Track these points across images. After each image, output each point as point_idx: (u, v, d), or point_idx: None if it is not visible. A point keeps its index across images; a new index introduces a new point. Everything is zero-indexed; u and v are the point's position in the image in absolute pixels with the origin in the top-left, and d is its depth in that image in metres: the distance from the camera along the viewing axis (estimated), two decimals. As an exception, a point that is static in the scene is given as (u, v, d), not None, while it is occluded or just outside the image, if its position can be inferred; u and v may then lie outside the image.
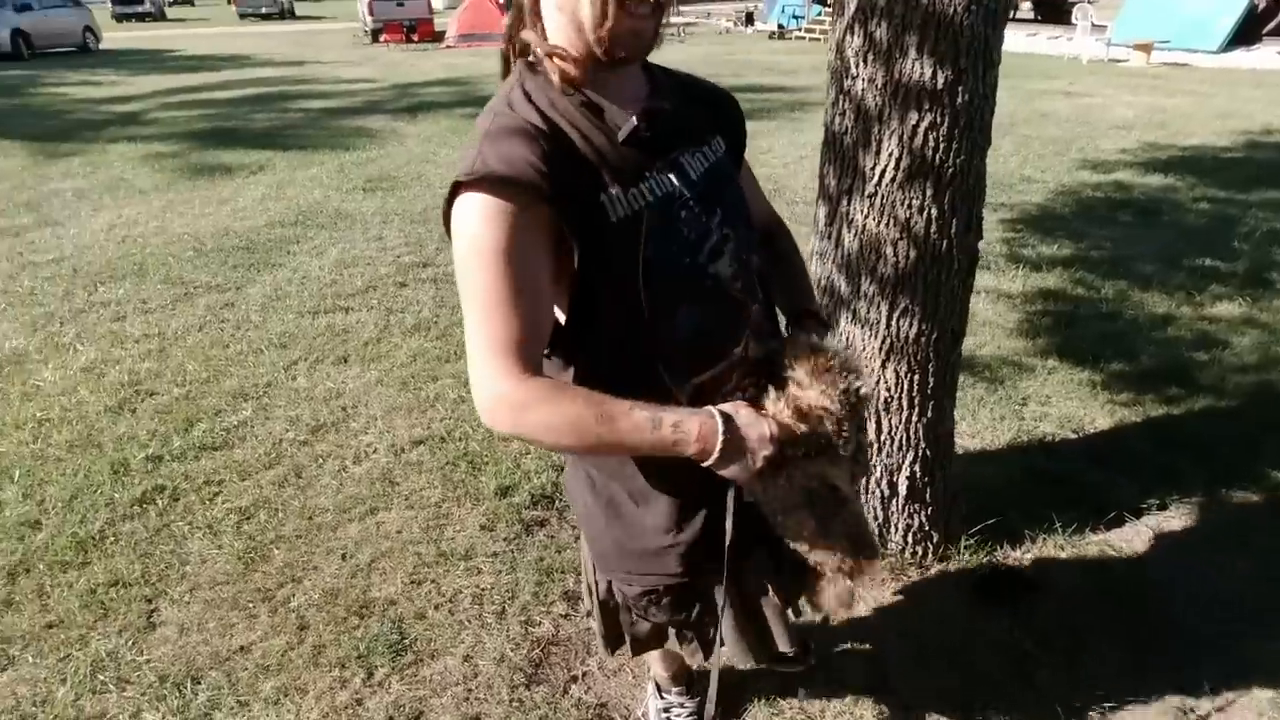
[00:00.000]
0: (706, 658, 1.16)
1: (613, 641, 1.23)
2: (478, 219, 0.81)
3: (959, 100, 1.43)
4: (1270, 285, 3.62)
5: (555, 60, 0.87)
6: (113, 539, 2.14)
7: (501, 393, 0.82)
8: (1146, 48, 12.04)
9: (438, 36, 17.46)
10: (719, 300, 0.93)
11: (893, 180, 1.52)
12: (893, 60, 1.43)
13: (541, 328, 0.86)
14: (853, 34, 1.46)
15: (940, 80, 1.41)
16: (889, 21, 1.40)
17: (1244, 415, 2.59)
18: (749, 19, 20.95)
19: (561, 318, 0.92)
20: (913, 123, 1.46)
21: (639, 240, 0.86)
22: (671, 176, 0.91)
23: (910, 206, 1.53)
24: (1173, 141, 6.63)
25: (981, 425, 2.58)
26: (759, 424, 0.88)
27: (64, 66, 13.55)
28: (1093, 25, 13.40)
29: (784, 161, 6.09)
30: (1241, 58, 12.36)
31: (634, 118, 0.88)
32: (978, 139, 1.51)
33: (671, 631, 1.17)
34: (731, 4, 29.98)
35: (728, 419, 0.86)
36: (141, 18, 27.41)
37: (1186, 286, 3.61)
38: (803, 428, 0.90)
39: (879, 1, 1.40)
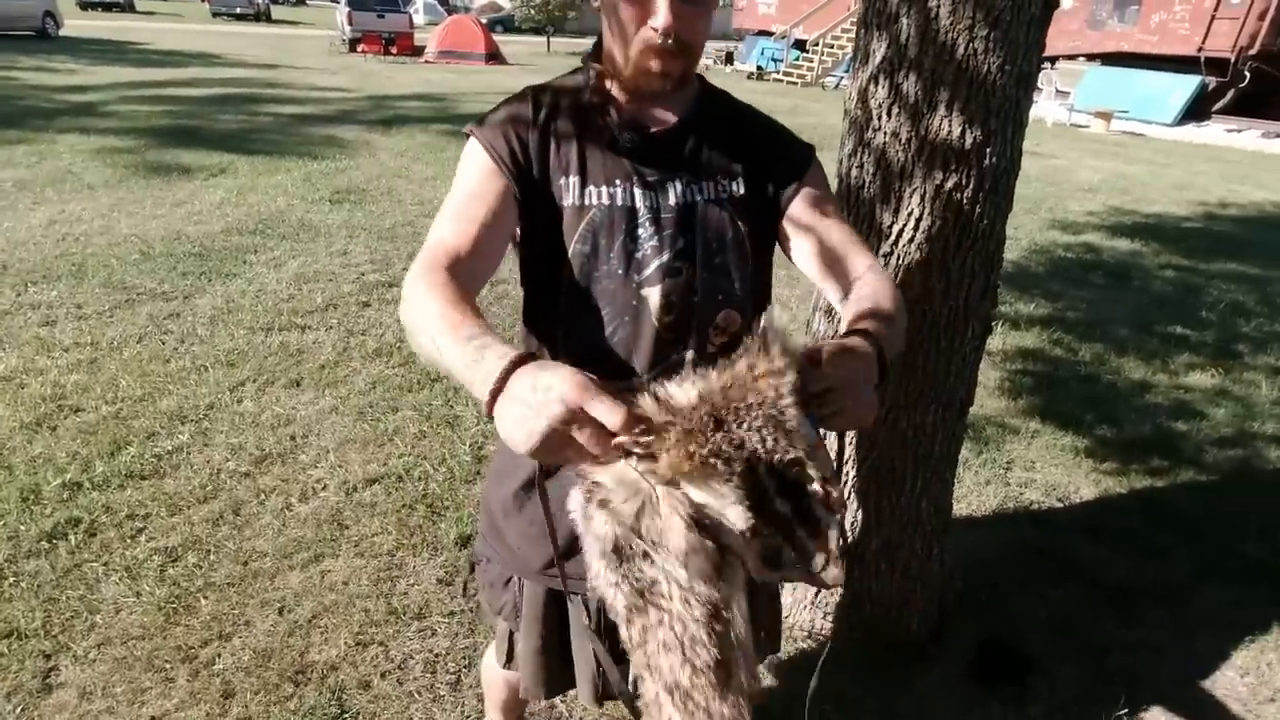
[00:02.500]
0: (506, 664, 1.19)
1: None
2: (464, 159, 0.95)
3: (986, 162, 1.35)
4: (1239, 357, 3.67)
5: (593, 73, 0.98)
6: (12, 580, 1.88)
7: (417, 270, 0.83)
8: (1107, 116, 12.59)
9: (417, 51, 17.32)
10: (638, 324, 0.93)
11: (911, 240, 1.42)
12: (920, 115, 1.33)
13: (473, 245, 0.88)
14: (877, 84, 1.37)
15: (969, 140, 1.32)
16: (918, 74, 1.31)
17: (1228, 492, 2.57)
18: (729, 59, 21.37)
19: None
20: (937, 181, 1.37)
21: (575, 231, 0.92)
22: (644, 193, 0.93)
23: (928, 269, 1.44)
24: (1135, 208, 6.84)
25: (967, 489, 2.49)
26: (550, 386, 0.61)
27: (18, 50, 12.97)
28: (1056, 90, 13.99)
29: (763, 201, 6.06)
30: (1193, 132, 13.02)
31: (625, 133, 0.94)
32: (1001, 203, 1.43)
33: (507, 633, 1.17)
34: (711, 43, 30.64)
35: (521, 359, 0.65)
36: (109, 7, 26.56)
37: (1160, 354, 3.63)
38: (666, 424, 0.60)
39: (909, 52, 1.31)
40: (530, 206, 0.93)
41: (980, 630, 1.89)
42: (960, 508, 2.38)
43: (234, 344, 3.13)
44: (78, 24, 19.12)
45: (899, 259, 1.45)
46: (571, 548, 0.80)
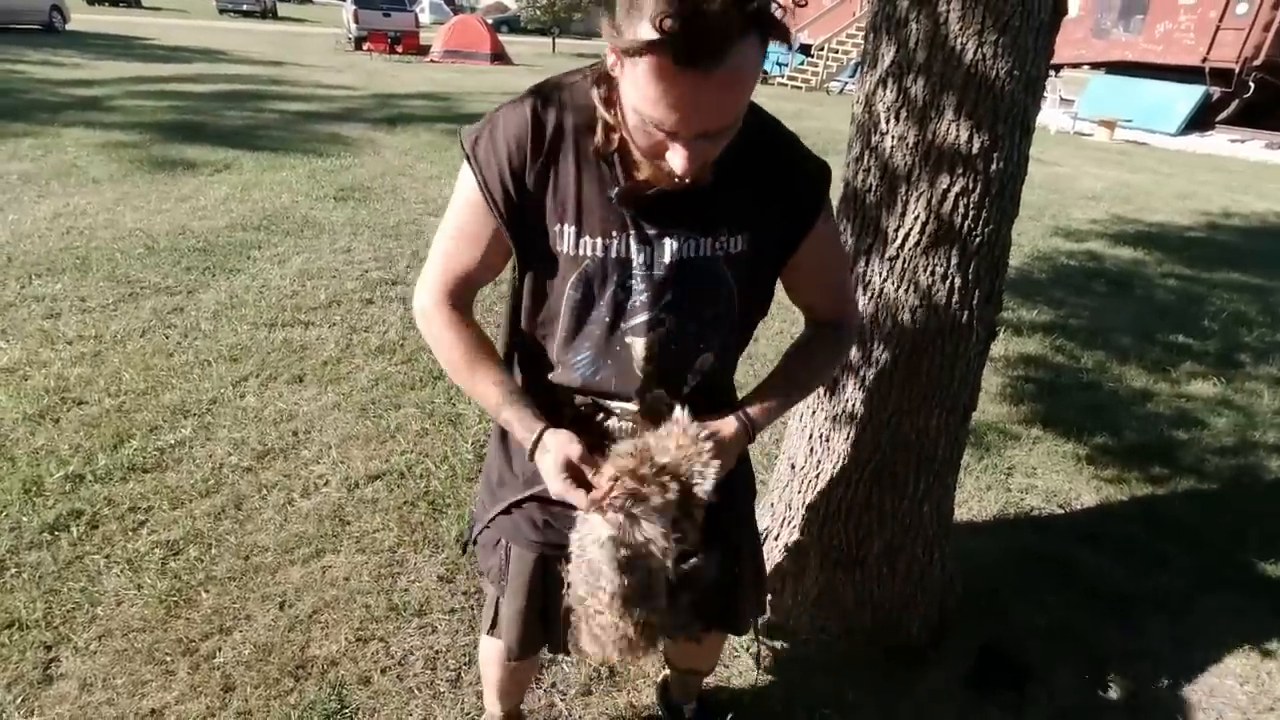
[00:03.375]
0: (491, 630, 1.23)
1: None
2: (462, 184, 0.95)
3: (993, 167, 1.35)
4: (1240, 367, 3.67)
5: (603, 124, 0.88)
6: (14, 570, 1.88)
7: (429, 307, 1.00)
8: (1110, 124, 12.59)
9: (422, 50, 17.35)
10: (620, 367, 0.97)
11: (916, 244, 1.43)
12: (927, 120, 1.34)
13: (476, 275, 0.99)
14: (885, 88, 1.38)
15: (976, 145, 1.33)
16: (926, 78, 1.32)
17: (1229, 501, 2.56)
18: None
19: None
20: (943, 186, 1.37)
21: (569, 278, 0.94)
22: (640, 247, 0.92)
23: (933, 273, 1.44)
24: (1139, 216, 6.84)
25: (968, 494, 2.49)
26: (554, 460, 0.93)
27: (25, 44, 12.99)
28: (1061, 99, 14.00)
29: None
30: (1197, 142, 13.02)
31: (615, 191, 0.89)
32: (1007, 208, 1.43)
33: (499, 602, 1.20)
34: (716, 46, 30.59)
35: (535, 446, 0.95)
36: (115, 1, 26.66)
37: (1163, 362, 3.63)
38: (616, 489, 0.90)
39: (918, 57, 1.31)
40: (523, 245, 0.94)
41: (980, 636, 1.89)
42: (961, 513, 2.38)
43: (237, 339, 3.13)
44: (84, 18, 19.16)
45: (904, 263, 1.45)
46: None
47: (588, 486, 0.91)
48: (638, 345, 0.96)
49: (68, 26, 16.24)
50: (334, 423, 2.63)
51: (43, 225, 4.24)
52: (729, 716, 1.63)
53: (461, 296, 1.00)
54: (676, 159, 0.79)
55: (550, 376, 1.02)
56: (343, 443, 2.52)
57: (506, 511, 1.13)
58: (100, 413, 2.55)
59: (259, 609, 1.84)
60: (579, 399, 1.02)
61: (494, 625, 1.22)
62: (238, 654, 1.71)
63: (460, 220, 0.95)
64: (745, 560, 1.24)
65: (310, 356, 3.06)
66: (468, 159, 0.91)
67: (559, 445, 0.93)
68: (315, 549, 2.04)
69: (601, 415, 1.02)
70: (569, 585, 0.98)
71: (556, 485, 0.92)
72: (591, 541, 0.92)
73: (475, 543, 1.22)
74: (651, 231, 0.91)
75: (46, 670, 1.64)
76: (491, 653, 1.36)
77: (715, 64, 0.69)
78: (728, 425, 0.99)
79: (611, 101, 0.85)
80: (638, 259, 0.92)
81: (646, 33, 0.68)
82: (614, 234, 0.91)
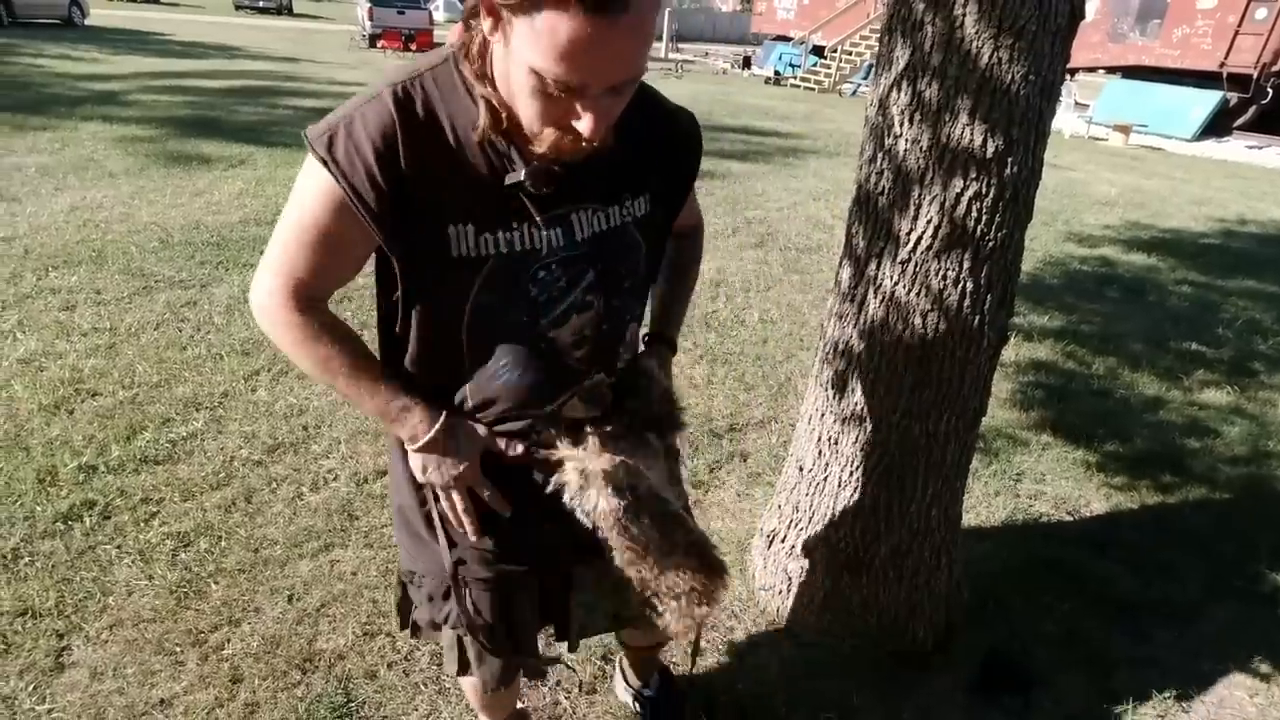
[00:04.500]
0: (462, 672, 1.18)
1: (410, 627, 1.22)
2: (313, 185, 0.81)
3: (1007, 171, 1.35)
4: (1255, 375, 3.63)
5: (484, 103, 0.79)
6: (28, 559, 1.91)
7: (276, 313, 0.88)
8: (1125, 129, 12.49)
9: (435, 47, 17.40)
10: (549, 363, 0.91)
11: (929, 248, 1.42)
12: (941, 122, 1.34)
13: (330, 283, 0.90)
14: (899, 90, 1.37)
15: (990, 148, 1.32)
16: (941, 81, 1.31)
17: (1240, 510, 2.54)
18: (746, 63, 21.36)
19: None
20: (956, 190, 1.37)
21: (472, 284, 0.84)
22: (546, 233, 0.85)
23: (944, 277, 1.44)
24: (1153, 222, 6.79)
25: (976, 499, 2.48)
26: (470, 445, 0.93)
27: (45, 38, 13.13)
28: (1075, 103, 13.90)
29: (778, 206, 6.07)
30: (1213, 148, 12.89)
31: (524, 173, 0.80)
32: (1021, 212, 1.42)
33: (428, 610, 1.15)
34: (729, 46, 30.66)
35: (447, 425, 0.92)
36: (133, -3, 26.88)
37: (1175, 370, 3.61)
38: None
39: (933, 59, 1.31)
40: (408, 257, 0.83)
41: (986, 642, 1.88)
42: (968, 518, 2.37)
43: (249, 333, 3.15)
44: (103, 13, 19.34)
45: (916, 266, 1.45)
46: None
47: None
48: (563, 335, 0.89)
49: (86, 21, 16.39)
50: (343, 418, 2.64)
51: (60, 218, 4.29)
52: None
53: (313, 300, 0.88)
54: (585, 121, 0.73)
55: (472, 399, 0.94)
56: (352, 438, 2.53)
57: (456, 562, 1.03)
58: (114, 404, 2.58)
59: (268, 601, 1.85)
60: (501, 427, 0.95)
61: (464, 668, 1.17)
62: (246, 646, 1.73)
63: (313, 223, 0.82)
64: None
65: (321, 352, 3.07)
66: (325, 164, 0.78)
67: (471, 438, 0.95)
68: (324, 543, 2.06)
69: (523, 437, 0.96)
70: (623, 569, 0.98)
71: (468, 482, 0.95)
72: (579, 489, 0.92)
73: (414, 605, 1.15)
74: (558, 212, 0.84)
75: (58, 658, 1.66)
76: (469, 687, 1.34)
77: (621, 8, 0.65)
78: (660, 359, 1.07)
79: (485, 77, 0.78)
80: (546, 246, 0.85)
81: None
82: (515, 224, 0.83)
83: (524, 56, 0.69)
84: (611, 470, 0.91)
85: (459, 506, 0.97)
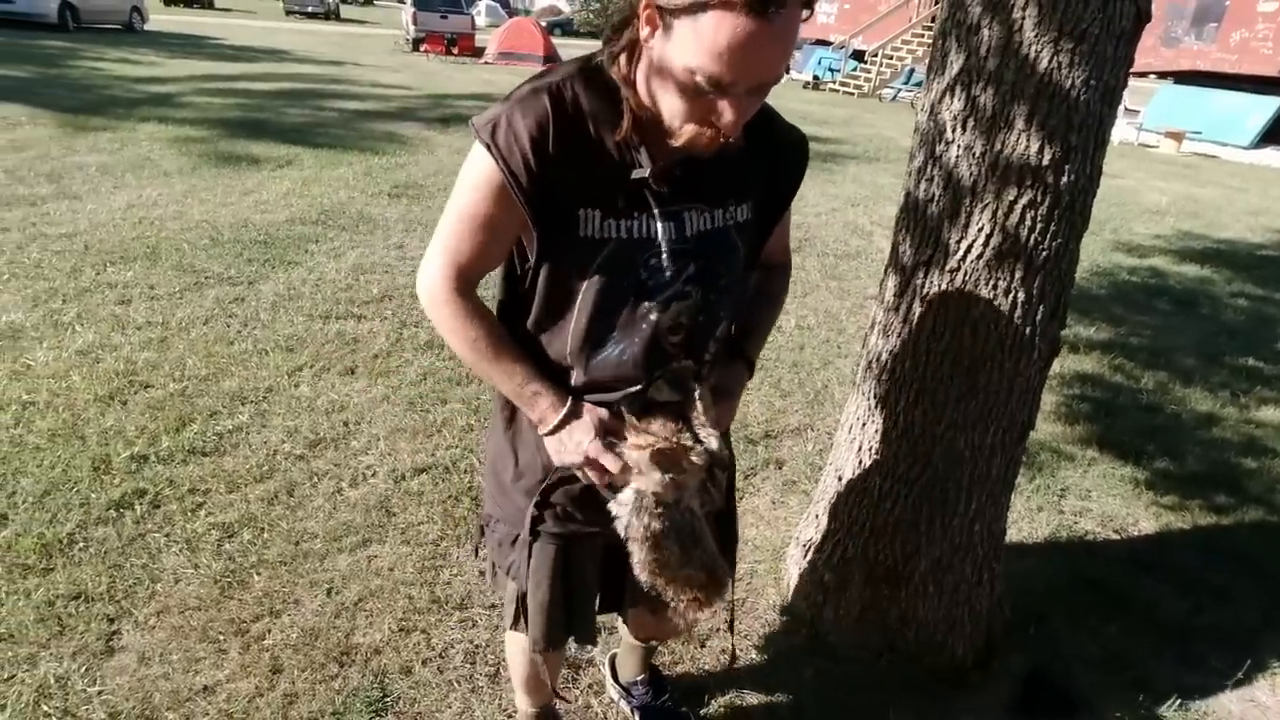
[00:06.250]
0: (514, 625, 1.24)
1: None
2: (476, 171, 0.92)
3: (1064, 179, 1.31)
4: (1316, 394, 3.48)
5: (627, 104, 0.89)
6: (82, 545, 1.97)
7: (439, 293, 0.99)
8: (1178, 136, 12.11)
9: (477, 52, 17.66)
10: (647, 343, 0.99)
11: (980, 257, 1.39)
12: (996, 130, 1.31)
13: (486, 264, 1.00)
14: (953, 96, 1.35)
15: (1047, 156, 1.29)
16: (996, 88, 1.29)
17: (1300, 535, 2.44)
18: (785, 67, 21.20)
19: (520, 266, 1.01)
20: (1010, 198, 1.34)
21: (593, 262, 0.94)
22: (660, 225, 0.94)
23: (995, 287, 1.40)
24: (1206, 232, 6.57)
25: (1018, 515, 2.42)
26: (580, 440, 1.00)
27: (106, 43, 13.65)
28: (1125, 109, 13.51)
29: (816, 212, 6.01)
30: (1272, 155, 12.42)
31: (648, 170, 0.91)
32: (1077, 222, 1.39)
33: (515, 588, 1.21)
34: (767, 50, 30.43)
35: (569, 416, 1.00)
36: (190, 3, 27.81)
37: (1230, 385, 3.47)
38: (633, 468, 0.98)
39: (988, 65, 1.28)
40: (546, 233, 0.94)
41: (1027, 662, 1.83)
42: (1010, 534, 2.31)
43: (293, 330, 3.23)
44: (161, 19, 20.03)
45: (966, 275, 1.42)
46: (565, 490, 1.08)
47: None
48: (663, 320, 0.98)
49: (146, 26, 16.99)
50: (383, 415, 2.68)
51: (117, 215, 4.44)
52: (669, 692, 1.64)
53: (470, 283, 1.00)
54: (728, 114, 0.82)
55: (576, 369, 1.04)
56: (391, 435, 2.57)
57: (538, 506, 1.13)
58: (165, 396, 2.66)
59: (307, 594, 1.89)
60: (593, 397, 1.04)
61: (517, 620, 1.24)
62: (286, 637, 1.76)
63: (474, 208, 0.94)
64: (735, 521, 1.34)
65: (362, 349, 3.14)
66: (487, 147, 0.89)
67: (591, 410, 1.00)
68: (362, 538, 2.09)
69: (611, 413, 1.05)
70: (640, 565, 1.02)
71: (593, 449, 0.98)
72: (634, 508, 0.98)
73: (485, 545, 1.24)
74: (673, 208, 0.95)
75: (109, 642, 1.71)
76: (518, 647, 1.38)
77: (777, 12, 0.75)
78: (736, 376, 1.13)
79: (629, 81, 0.88)
80: (661, 236, 0.95)
81: None
82: (636, 214, 0.93)
83: (681, 55, 0.78)
84: (661, 493, 0.97)
85: (605, 470, 1.01)
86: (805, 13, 0.79)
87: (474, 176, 0.92)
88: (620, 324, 0.98)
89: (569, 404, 1.00)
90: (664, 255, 0.95)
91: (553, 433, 1.01)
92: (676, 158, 0.91)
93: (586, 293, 0.96)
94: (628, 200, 0.92)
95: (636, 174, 0.91)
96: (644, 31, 0.82)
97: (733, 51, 0.76)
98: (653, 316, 0.98)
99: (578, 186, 0.91)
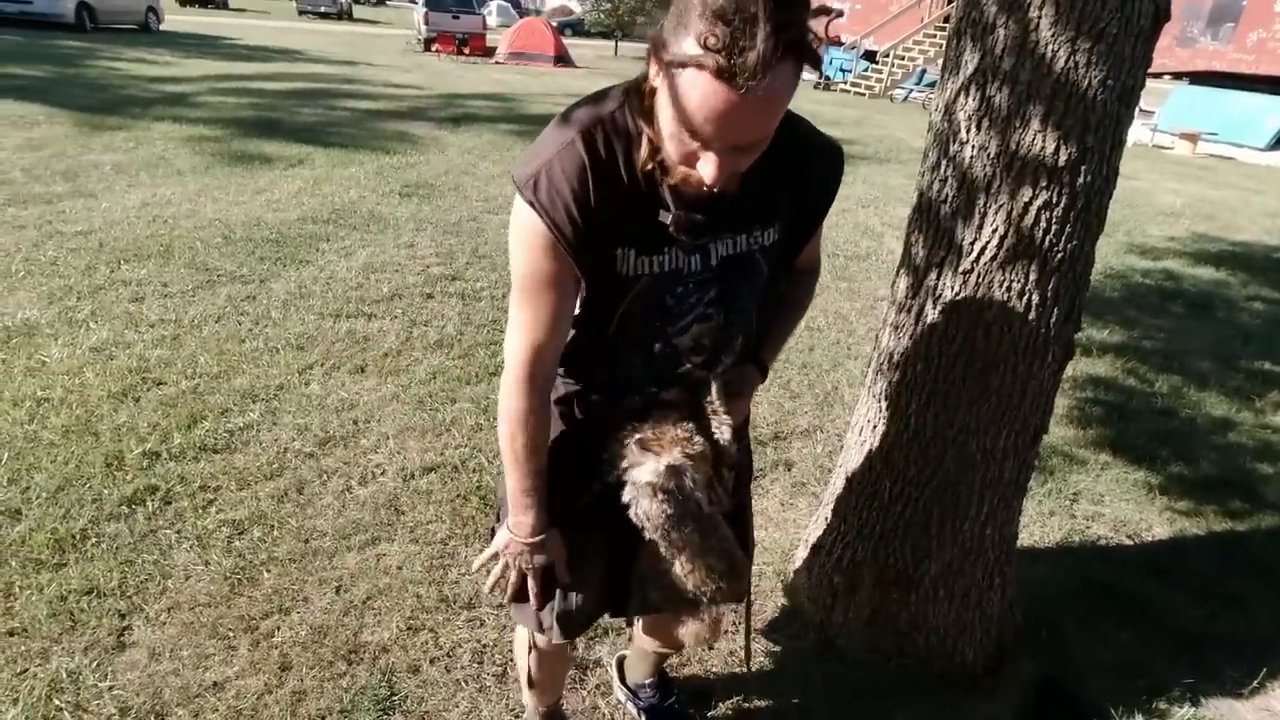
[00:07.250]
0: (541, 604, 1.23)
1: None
2: (523, 230, 0.92)
3: (1080, 180, 1.30)
4: (1334, 399, 3.44)
5: (646, 139, 0.89)
6: (94, 540, 1.99)
7: (523, 411, 1.01)
8: (1193, 138, 11.99)
9: (489, 52, 17.70)
10: (666, 362, 1.04)
11: (993, 259, 1.38)
12: (1010, 129, 1.29)
13: (560, 329, 0.98)
14: (967, 95, 1.34)
15: (1063, 156, 1.28)
16: (1012, 87, 1.27)
17: (1317, 542, 2.40)
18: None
19: None
20: (1025, 199, 1.32)
21: (626, 295, 0.97)
22: (689, 258, 0.97)
23: (1009, 288, 1.39)
24: (1222, 235, 6.49)
25: (1029, 519, 2.40)
26: (520, 554, 1.10)
27: (122, 43, 13.77)
28: (1139, 109, 13.39)
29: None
30: (1289, 158, 12.27)
31: (669, 218, 0.93)
32: (1092, 223, 1.37)
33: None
34: (778, 51, 30.33)
35: (538, 543, 1.10)
36: (205, 3, 28.04)
37: (1245, 390, 3.43)
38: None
39: (1004, 64, 1.27)
40: (588, 275, 0.95)
41: (1038, 668, 1.82)
42: (1022, 538, 2.29)
43: (304, 328, 3.24)
44: (176, 19, 20.19)
45: (979, 277, 1.41)
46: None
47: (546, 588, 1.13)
48: (684, 341, 1.02)
49: (161, 27, 17.13)
50: (392, 414, 2.69)
51: (131, 213, 4.48)
52: (675, 695, 1.63)
53: (548, 368, 1.01)
54: (707, 168, 0.82)
55: (596, 387, 1.09)
56: (400, 433, 2.58)
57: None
58: (177, 393, 2.68)
59: (316, 592, 1.89)
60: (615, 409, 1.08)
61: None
62: (295, 634, 1.77)
63: (531, 266, 0.94)
64: (750, 522, 1.33)
65: (372, 348, 3.15)
66: (531, 204, 0.90)
67: (555, 549, 1.11)
68: (371, 536, 2.10)
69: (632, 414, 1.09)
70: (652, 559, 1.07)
71: (515, 574, 1.11)
72: (637, 496, 1.01)
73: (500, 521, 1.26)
74: (701, 240, 0.97)
75: (120, 637, 1.72)
76: (525, 647, 1.38)
77: (752, 85, 0.72)
78: (748, 377, 1.15)
79: (649, 116, 0.88)
80: (686, 268, 0.97)
81: (691, 48, 0.73)
82: (666, 249, 0.96)
83: (669, 103, 0.79)
84: (658, 481, 0.99)
85: (512, 580, 1.14)
86: (795, 70, 0.76)
87: (523, 235, 0.93)
88: (643, 347, 1.02)
89: (545, 532, 1.09)
90: (690, 284, 0.99)
91: (514, 539, 1.09)
92: (684, 189, 0.92)
93: (618, 322, 1.00)
94: (658, 237, 0.95)
95: (662, 217, 0.93)
96: (651, 70, 0.84)
97: (704, 113, 0.76)
98: (675, 341, 1.02)
99: (616, 229, 0.93)
